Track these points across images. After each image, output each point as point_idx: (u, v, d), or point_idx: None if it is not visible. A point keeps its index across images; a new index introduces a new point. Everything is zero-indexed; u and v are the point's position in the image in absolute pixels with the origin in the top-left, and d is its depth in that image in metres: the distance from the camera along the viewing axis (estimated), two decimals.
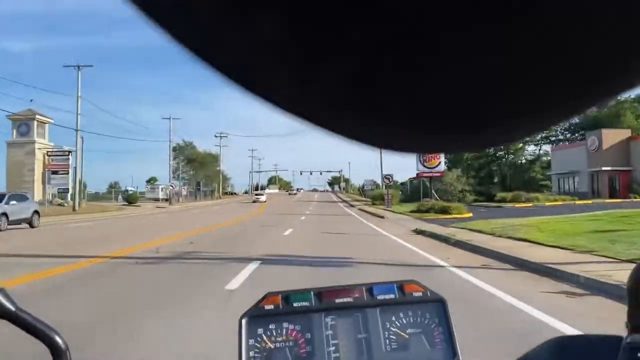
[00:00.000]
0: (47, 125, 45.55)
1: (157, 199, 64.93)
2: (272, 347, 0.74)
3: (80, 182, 40.95)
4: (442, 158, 36.54)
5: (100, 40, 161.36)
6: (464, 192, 60.34)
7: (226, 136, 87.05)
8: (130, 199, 55.05)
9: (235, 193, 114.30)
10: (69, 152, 44.82)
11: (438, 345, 0.75)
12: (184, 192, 70.61)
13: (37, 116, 43.72)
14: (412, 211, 30.65)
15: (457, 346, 0.74)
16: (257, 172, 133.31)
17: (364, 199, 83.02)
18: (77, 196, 34.06)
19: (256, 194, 61.80)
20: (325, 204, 55.41)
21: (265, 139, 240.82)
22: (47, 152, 44.38)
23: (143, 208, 48.67)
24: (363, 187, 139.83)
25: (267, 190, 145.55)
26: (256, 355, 0.74)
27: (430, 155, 36.19)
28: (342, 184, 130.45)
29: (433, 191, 56.54)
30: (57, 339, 0.58)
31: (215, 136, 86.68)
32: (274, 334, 0.75)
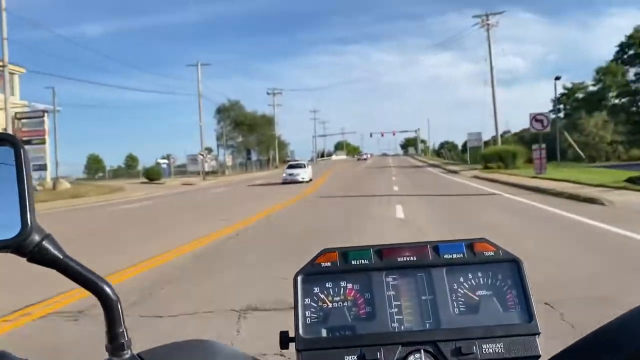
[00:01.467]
0: (16, 76, 32.32)
1: (198, 173, 51.91)
2: (330, 306, 0.70)
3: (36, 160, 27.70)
4: None
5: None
6: (614, 145, 41.84)
7: (280, 93, 72.12)
8: (151, 175, 41.86)
9: (297, 161, 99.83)
10: (44, 112, 31.48)
11: (512, 308, 0.68)
12: (229, 163, 57.02)
13: None
14: (631, 181, 14.13)
15: (534, 309, 0.67)
16: (321, 136, 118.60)
17: (453, 161, 65.78)
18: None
19: (290, 167, 31.76)
20: (411, 171, 39.23)
21: (328, 102, 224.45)
22: (16, 114, 31.36)
23: (163, 187, 35.19)
24: (441, 148, 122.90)
25: (333, 157, 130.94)
26: (312, 315, 0.69)
27: None
28: (420, 145, 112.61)
29: (573, 143, 38.70)
30: (107, 289, 0.56)
31: (268, 93, 72.05)
32: (331, 292, 0.70)
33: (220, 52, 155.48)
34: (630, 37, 46.39)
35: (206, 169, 60.24)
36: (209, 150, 71.29)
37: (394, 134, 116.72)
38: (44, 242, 0.52)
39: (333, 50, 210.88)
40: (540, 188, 15.39)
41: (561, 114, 56.06)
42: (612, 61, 46.67)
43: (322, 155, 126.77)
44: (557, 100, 57.07)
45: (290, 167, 31.68)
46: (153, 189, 32.69)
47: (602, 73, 45.78)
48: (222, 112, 64.15)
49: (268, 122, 70.24)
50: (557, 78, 34.74)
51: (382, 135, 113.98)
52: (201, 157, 38.99)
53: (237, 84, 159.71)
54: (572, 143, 37.14)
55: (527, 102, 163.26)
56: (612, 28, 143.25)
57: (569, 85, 54.18)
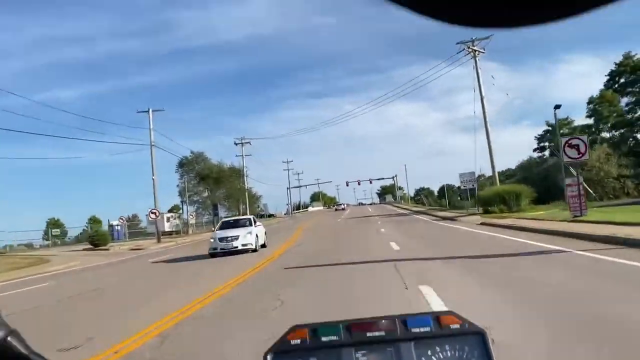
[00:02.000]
0: None
1: (155, 233, 45.53)
2: None
3: None
4: None
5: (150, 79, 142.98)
6: (622, 180, 37.48)
7: (248, 142, 67.14)
8: (95, 240, 35.54)
9: (272, 215, 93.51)
10: None
11: None
12: (192, 221, 50.92)
13: None
14: None
15: None
16: (296, 187, 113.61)
17: (431, 207, 61.02)
18: None
19: (224, 226, 19.16)
20: (399, 220, 34.05)
21: (302, 155, 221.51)
22: None
23: (103, 255, 29.09)
24: (417, 194, 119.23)
25: (310, 209, 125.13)
26: None
27: None
28: (399, 192, 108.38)
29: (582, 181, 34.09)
30: None
31: (236, 144, 66.99)
32: None
33: (195, 111, 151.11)
34: (619, 64, 43.26)
35: (167, 229, 54.06)
36: (177, 208, 65.29)
37: (370, 182, 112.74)
38: (9, 339, 0.49)
39: (306, 104, 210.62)
40: (619, 238, 10.13)
41: (547, 152, 52.41)
42: (603, 90, 43.25)
43: (298, 208, 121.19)
44: (541, 138, 53.51)
45: (225, 226, 18.96)
46: (88, 258, 26.50)
47: (596, 103, 42.15)
48: (184, 165, 58.50)
49: (237, 174, 64.70)
50: (557, 107, 30.46)
51: (359, 183, 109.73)
52: (153, 216, 33.00)
53: (214, 141, 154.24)
54: (581, 180, 32.56)
55: (496, 147, 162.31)
56: (569, 74, 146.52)
57: (553, 122, 50.81)
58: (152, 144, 37.07)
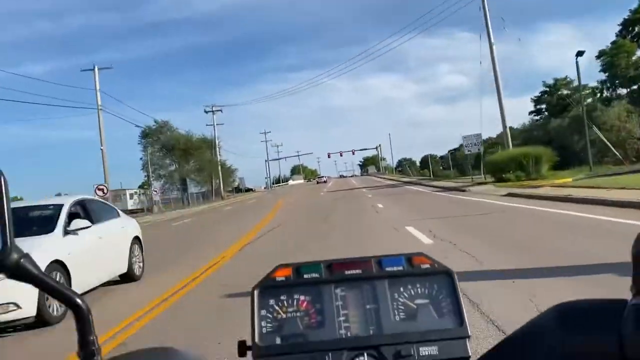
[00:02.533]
0: None
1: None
2: (284, 316, 0.76)
3: None
4: None
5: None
6: None
7: (220, 110, 61.08)
8: None
9: (250, 189, 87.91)
10: None
11: (446, 314, 0.76)
12: (156, 198, 45.25)
13: None
14: None
15: (465, 316, 0.74)
16: (274, 160, 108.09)
17: (414, 177, 56.46)
18: None
19: None
20: (393, 192, 29.12)
21: (281, 128, 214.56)
22: None
23: None
24: (398, 165, 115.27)
25: (290, 182, 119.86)
26: (268, 324, 0.75)
27: None
28: (384, 162, 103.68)
29: (607, 142, 29.40)
30: (79, 301, 0.61)
31: (206, 112, 60.89)
32: (285, 304, 0.77)
33: (172, 86, 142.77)
34: (635, 11, 38.33)
35: (131, 207, 48.33)
36: (147, 184, 59.39)
37: (353, 153, 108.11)
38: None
39: (284, 77, 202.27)
40: None
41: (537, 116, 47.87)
42: (620, 40, 38.40)
43: (278, 181, 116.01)
44: (537, 100, 48.80)
45: None
46: None
47: (611, 55, 37.30)
48: (148, 136, 52.51)
49: (208, 145, 58.84)
50: (580, 53, 25.47)
51: (341, 154, 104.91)
52: (100, 193, 27.42)
53: (188, 115, 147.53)
54: (605, 141, 27.96)
55: (475, 117, 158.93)
56: (545, 43, 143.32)
57: (551, 82, 46.09)
58: (100, 107, 31.12)
